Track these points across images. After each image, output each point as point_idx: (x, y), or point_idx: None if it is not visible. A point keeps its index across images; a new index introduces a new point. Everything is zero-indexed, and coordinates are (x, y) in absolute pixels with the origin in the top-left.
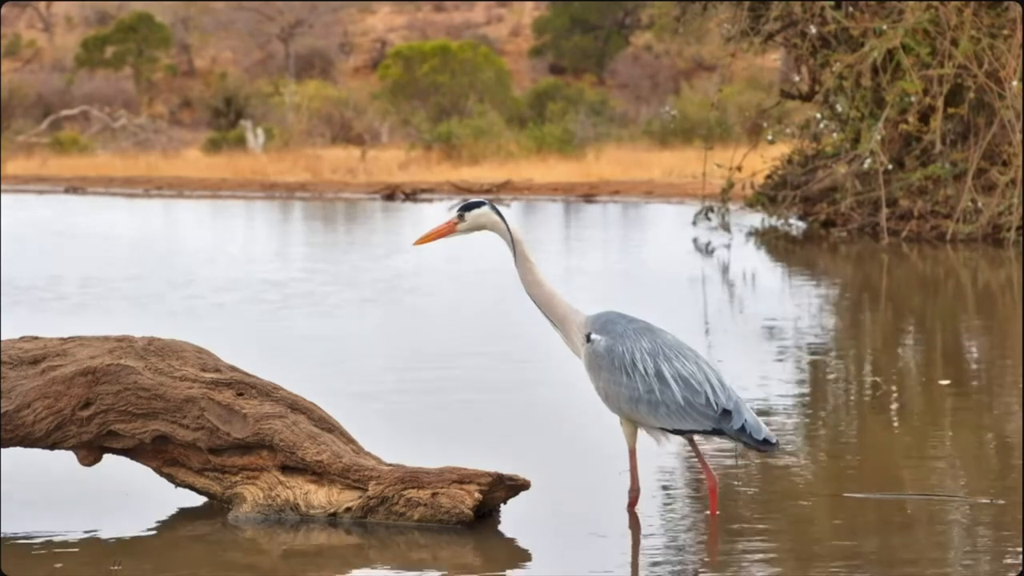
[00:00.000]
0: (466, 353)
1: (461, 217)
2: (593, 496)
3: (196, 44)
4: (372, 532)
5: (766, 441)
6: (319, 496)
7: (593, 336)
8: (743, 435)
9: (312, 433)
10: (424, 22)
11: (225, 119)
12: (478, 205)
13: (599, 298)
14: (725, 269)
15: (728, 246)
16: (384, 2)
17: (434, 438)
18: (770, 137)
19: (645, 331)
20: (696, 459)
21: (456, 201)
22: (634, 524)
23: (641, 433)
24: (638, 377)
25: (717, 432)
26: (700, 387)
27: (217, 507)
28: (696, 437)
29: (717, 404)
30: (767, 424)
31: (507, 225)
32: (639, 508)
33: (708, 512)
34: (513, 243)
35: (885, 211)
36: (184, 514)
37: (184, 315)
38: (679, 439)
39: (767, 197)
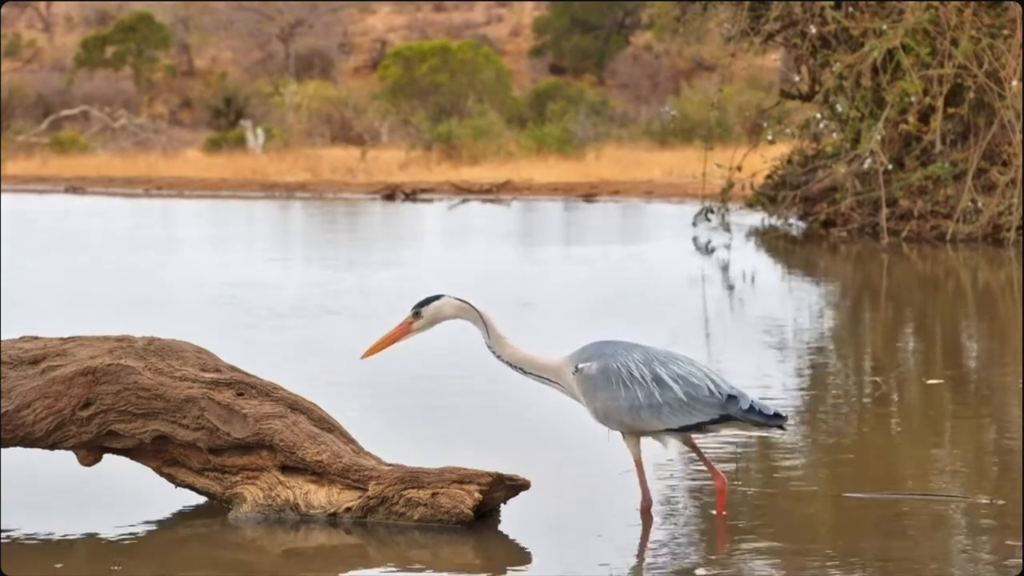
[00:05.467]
0: (466, 354)
1: (417, 315)
2: (593, 496)
3: (196, 44)
4: (372, 532)
5: (777, 415)
6: (319, 496)
7: (580, 365)
8: (752, 414)
9: (312, 433)
10: (424, 22)
11: (225, 119)
12: (435, 298)
13: (599, 298)
14: (725, 269)
15: (728, 246)
16: (384, 2)
17: (434, 438)
18: (770, 137)
19: (634, 347)
20: (699, 463)
21: (456, 200)
22: (634, 524)
23: (645, 441)
24: (636, 386)
25: (725, 419)
26: (700, 382)
27: (217, 507)
28: (698, 441)
29: (721, 392)
30: (769, 431)
31: (473, 306)
32: (637, 508)
33: (708, 512)
34: (485, 324)
35: (885, 211)
36: (184, 514)
37: (183, 315)
38: (682, 446)
39: (767, 197)
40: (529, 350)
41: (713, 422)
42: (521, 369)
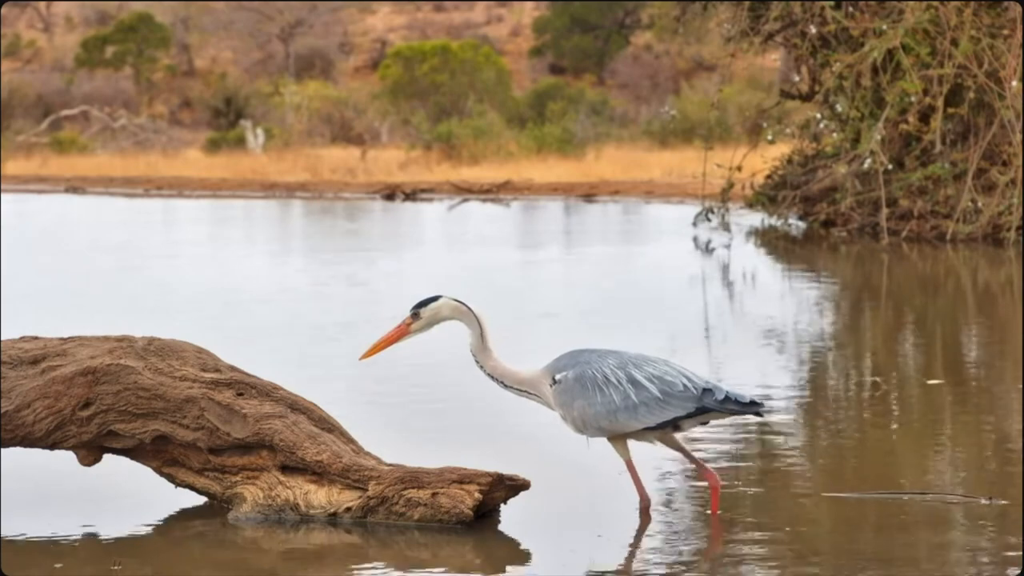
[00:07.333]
0: (466, 349)
1: (415, 315)
2: (593, 496)
3: (196, 44)
4: (372, 532)
5: (753, 403)
6: (319, 496)
7: (557, 376)
8: (729, 404)
9: (312, 433)
10: (424, 22)
11: (225, 119)
12: (434, 299)
13: (599, 299)
14: (725, 269)
15: (728, 246)
16: (384, 2)
17: (434, 438)
18: (770, 137)
19: (608, 352)
20: (692, 465)
21: (456, 200)
22: (634, 524)
23: (638, 444)
24: (611, 390)
25: (703, 411)
26: (675, 379)
27: (217, 507)
28: (692, 442)
29: (696, 387)
30: (769, 431)
31: (471, 309)
32: (636, 507)
33: (708, 511)
34: (481, 328)
35: (885, 211)
36: (184, 514)
37: (182, 315)
38: (671, 452)
39: (767, 197)
40: (510, 364)
41: (690, 416)
42: (502, 382)
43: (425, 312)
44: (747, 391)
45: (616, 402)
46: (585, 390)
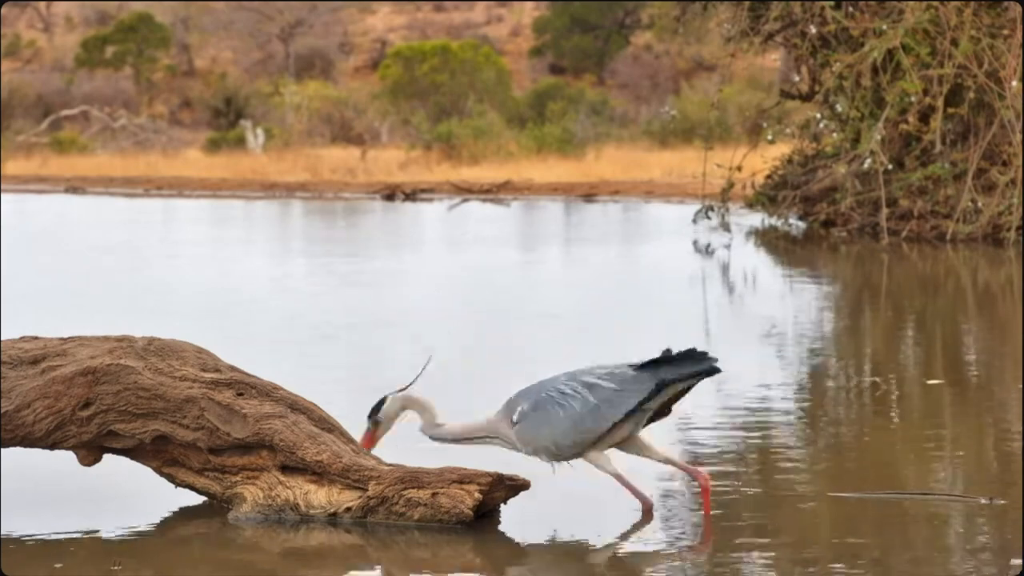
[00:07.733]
0: (467, 352)
1: (375, 422)
2: (593, 496)
3: (196, 44)
4: (372, 532)
5: (704, 354)
6: (319, 496)
7: (515, 416)
8: (684, 364)
9: (312, 433)
10: (424, 22)
11: (225, 119)
12: (382, 402)
13: (598, 299)
14: (725, 269)
15: (728, 246)
16: (384, 2)
17: None
18: (770, 137)
19: (557, 375)
20: (679, 471)
21: (456, 200)
22: (634, 524)
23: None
24: (570, 400)
25: (662, 386)
26: (625, 371)
27: (217, 507)
28: (669, 453)
29: (646, 368)
30: (768, 431)
31: (414, 397)
32: (637, 508)
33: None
34: (427, 411)
35: (885, 211)
36: (184, 514)
37: (182, 315)
38: (660, 466)
39: (767, 197)
40: (459, 421)
41: (652, 396)
42: (464, 439)
43: (382, 416)
44: (747, 391)
45: (578, 410)
46: (547, 413)
